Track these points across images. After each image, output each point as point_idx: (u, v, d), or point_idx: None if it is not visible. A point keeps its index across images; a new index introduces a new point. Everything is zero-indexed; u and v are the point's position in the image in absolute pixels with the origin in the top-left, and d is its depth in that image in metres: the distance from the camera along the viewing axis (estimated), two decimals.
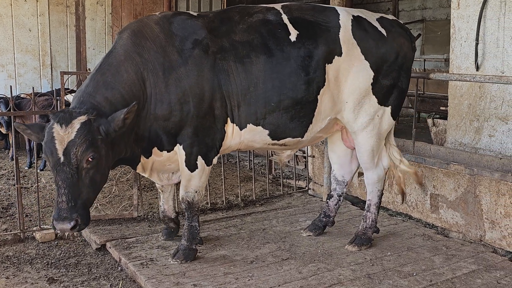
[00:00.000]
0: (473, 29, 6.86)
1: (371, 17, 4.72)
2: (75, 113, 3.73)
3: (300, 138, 4.58)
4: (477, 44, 6.79)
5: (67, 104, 5.61)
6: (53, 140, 3.66)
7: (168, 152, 4.32)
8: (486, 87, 6.72)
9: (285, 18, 4.46)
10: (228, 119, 4.31)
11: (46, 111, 5.89)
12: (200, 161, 4.32)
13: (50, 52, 10.33)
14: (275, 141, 4.55)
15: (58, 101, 5.30)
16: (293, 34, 4.38)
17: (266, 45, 4.31)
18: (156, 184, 4.95)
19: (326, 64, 4.42)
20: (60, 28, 10.39)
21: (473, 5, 6.84)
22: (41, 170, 7.81)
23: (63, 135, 3.64)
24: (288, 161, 7.24)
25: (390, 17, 4.90)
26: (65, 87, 5.41)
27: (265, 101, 4.31)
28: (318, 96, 4.44)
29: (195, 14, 4.48)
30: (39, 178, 7.16)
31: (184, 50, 4.17)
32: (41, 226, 5.34)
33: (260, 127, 4.41)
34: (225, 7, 11.81)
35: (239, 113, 4.32)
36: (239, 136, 4.42)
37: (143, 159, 4.38)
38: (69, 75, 5.43)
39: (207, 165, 4.39)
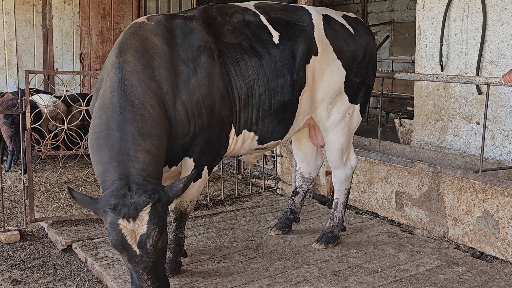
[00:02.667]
0: (437, 31, 7.00)
1: (337, 15, 4.77)
2: (137, 204, 3.24)
3: (280, 140, 4.56)
4: (441, 45, 6.93)
5: (32, 104, 5.55)
6: (124, 237, 3.24)
7: (176, 166, 4.03)
8: (450, 87, 6.86)
9: (263, 18, 4.35)
10: (232, 125, 4.13)
11: (11, 111, 5.80)
12: (205, 171, 4.10)
13: (16, 52, 10.16)
14: (260, 146, 4.44)
15: (23, 101, 5.22)
16: (275, 36, 4.30)
17: (253, 48, 4.17)
18: None
19: (306, 64, 4.40)
20: (26, 27, 10.22)
21: (438, 7, 6.98)
22: (6, 171, 7.67)
23: (133, 229, 3.25)
24: (257, 161, 7.27)
25: (352, 15, 4.96)
26: (31, 86, 5.33)
27: (259, 106, 4.20)
28: (299, 97, 4.40)
29: (185, 15, 4.16)
30: (4, 179, 7.05)
31: (190, 59, 3.85)
32: (6, 228, 5.26)
33: (252, 133, 4.28)
34: (194, 6, 11.78)
35: (238, 119, 4.15)
36: (234, 143, 4.25)
37: None
38: (34, 75, 5.32)
39: (208, 175, 4.19)
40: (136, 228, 3.24)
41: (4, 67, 10.08)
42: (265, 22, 4.33)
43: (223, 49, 4.05)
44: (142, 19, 4.04)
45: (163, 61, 3.76)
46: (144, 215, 3.24)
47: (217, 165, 4.35)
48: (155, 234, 3.28)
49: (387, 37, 15.65)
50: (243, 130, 4.22)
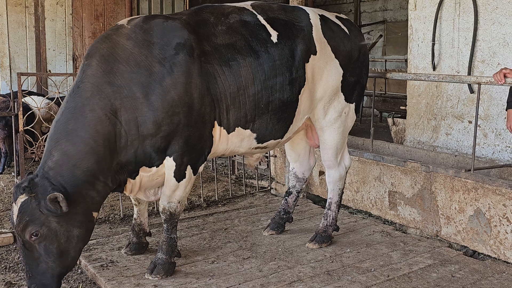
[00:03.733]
0: (429, 30, 7.03)
1: (332, 16, 4.82)
2: (19, 188, 3.57)
3: (280, 139, 4.58)
4: (433, 44, 6.96)
5: (25, 106, 5.55)
6: (11, 216, 3.64)
7: (157, 167, 4.05)
8: (442, 86, 6.89)
9: (261, 18, 4.38)
10: (216, 123, 4.14)
11: (3, 113, 5.79)
12: (188, 170, 4.12)
13: (8, 54, 10.13)
14: (259, 145, 4.47)
15: (16, 103, 5.21)
16: (274, 35, 4.33)
17: (250, 47, 4.20)
18: (131, 197, 4.61)
19: (305, 63, 4.44)
20: (19, 29, 10.19)
21: (429, 6, 7.02)
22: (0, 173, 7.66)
23: (12, 213, 3.62)
24: (259, 163, 7.26)
25: (344, 16, 5.00)
26: (24, 88, 5.33)
27: (255, 104, 4.22)
28: (299, 96, 4.44)
29: (170, 15, 4.24)
30: None
31: (166, 58, 3.88)
32: None
33: (248, 131, 4.30)
34: (187, 7, 11.78)
35: (227, 117, 4.17)
36: (226, 141, 4.27)
37: (129, 181, 4.08)
38: (27, 77, 5.32)
39: (194, 174, 4.20)
40: (13, 213, 3.60)
41: None
42: (263, 22, 4.37)
43: (211, 50, 4.08)
44: (123, 21, 4.11)
45: (129, 66, 3.84)
46: (18, 203, 3.57)
47: (204, 165, 4.36)
48: (19, 224, 3.55)
49: (380, 36, 15.70)
50: (237, 128, 4.24)
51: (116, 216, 5.78)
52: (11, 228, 5.48)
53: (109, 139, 3.78)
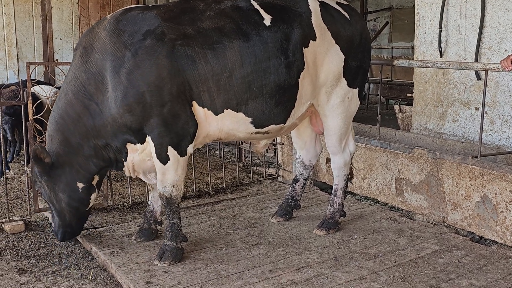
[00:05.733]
0: (436, 17, 7.01)
1: (332, 2, 4.81)
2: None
3: (282, 125, 4.59)
4: (440, 31, 6.94)
5: (33, 95, 5.58)
6: None
7: (142, 144, 4.25)
8: (449, 73, 6.88)
9: (254, 3, 4.42)
10: (195, 103, 4.22)
11: (13, 102, 5.83)
12: (171, 151, 4.21)
13: (16, 43, 10.19)
14: (259, 129, 4.50)
15: (25, 92, 5.25)
16: (267, 19, 4.36)
17: (240, 30, 4.25)
18: (146, 182, 4.80)
19: (303, 48, 4.45)
20: (25, 18, 10.24)
21: None
22: (9, 162, 7.72)
23: None
24: (267, 150, 7.29)
25: (344, 2, 4.99)
26: (32, 78, 5.37)
27: (246, 86, 4.26)
28: (299, 80, 4.45)
29: (149, 6, 4.42)
30: (7, 170, 7.11)
31: (134, 43, 4.10)
32: (10, 218, 5.33)
33: (241, 114, 4.34)
34: None
35: (211, 98, 4.22)
36: (216, 122, 4.33)
37: (124, 162, 4.44)
38: (35, 66, 5.36)
39: (181, 156, 4.26)
40: None
41: (4, 58, 10.12)
42: (256, 7, 4.41)
43: (194, 33, 4.18)
44: (109, 15, 4.40)
45: (102, 53, 4.17)
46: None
47: (194, 147, 4.45)
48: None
49: (386, 23, 15.62)
50: (226, 110, 4.29)
51: (125, 204, 5.84)
52: (22, 216, 5.56)
53: (79, 119, 4.26)
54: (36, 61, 10.00)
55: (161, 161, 4.24)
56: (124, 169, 4.53)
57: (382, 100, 13.12)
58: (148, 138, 4.22)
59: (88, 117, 4.25)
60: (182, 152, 4.26)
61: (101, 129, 4.26)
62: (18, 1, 10.14)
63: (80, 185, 4.44)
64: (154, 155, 4.25)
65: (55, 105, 4.41)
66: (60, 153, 4.36)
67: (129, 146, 4.31)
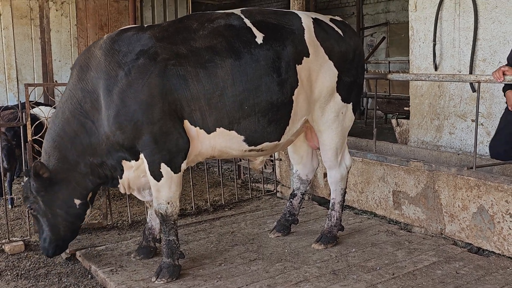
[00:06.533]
0: (430, 31, 7.10)
1: (325, 18, 4.88)
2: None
3: (277, 142, 4.62)
4: (434, 44, 7.04)
5: (33, 116, 5.64)
6: None
7: (136, 161, 4.30)
8: (445, 86, 6.95)
9: (247, 21, 4.46)
10: (187, 122, 4.26)
11: (12, 123, 5.89)
12: (165, 169, 4.24)
13: (15, 66, 10.27)
14: (252, 147, 4.53)
15: (24, 113, 5.31)
16: (259, 37, 4.39)
17: (232, 48, 4.28)
18: (140, 199, 4.84)
19: (297, 65, 4.48)
20: (25, 41, 10.34)
21: (430, 7, 7.09)
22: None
23: None
24: (264, 167, 7.33)
25: (338, 18, 5.06)
26: (31, 99, 5.43)
27: (238, 105, 4.28)
28: (293, 97, 4.48)
29: (144, 26, 4.49)
30: (7, 191, 7.13)
31: (127, 62, 4.17)
32: (10, 239, 5.35)
33: (234, 132, 4.36)
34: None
35: (203, 117, 4.26)
36: (208, 141, 4.36)
37: (119, 179, 4.49)
38: (34, 87, 5.42)
39: (175, 173, 4.29)
40: None
41: (4, 81, 10.19)
42: (249, 25, 4.44)
43: (187, 53, 4.23)
44: (106, 35, 4.52)
45: (97, 72, 4.24)
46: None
47: (186, 165, 4.43)
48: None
49: (383, 38, 15.75)
50: (218, 128, 4.32)
51: (124, 222, 5.87)
52: (22, 236, 5.58)
53: (76, 137, 4.32)
54: (35, 83, 10.08)
55: (154, 178, 4.28)
56: (119, 186, 4.57)
57: (381, 114, 13.22)
58: (142, 156, 4.27)
59: (85, 135, 4.31)
60: (175, 169, 4.29)
61: (96, 147, 4.31)
62: (17, 24, 10.26)
63: (77, 201, 4.49)
64: (148, 172, 4.28)
65: (52, 122, 4.46)
66: (58, 170, 4.39)
67: (124, 164, 4.36)
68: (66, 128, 4.35)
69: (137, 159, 4.30)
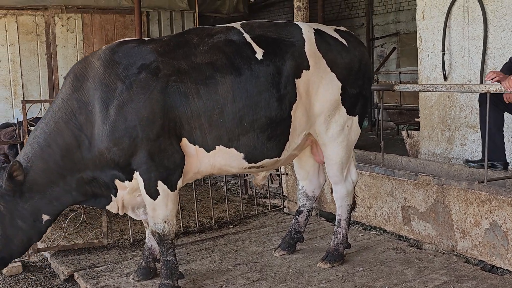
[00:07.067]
0: (438, 40, 6.92)
1: (329, 29, 4.73)
2: None
3: (277, 158, 4.49)
4: (443, 54, 6.85)
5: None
6: None
7: (130, 181, 4.15)
8: (455, 96, 6.76)
9: (247, 37, 4.36)
10: (185, 140, 4.14)
11: (10, 141, 5.80)
12: (161, 186, 4.11)
13: (21, 82, 10.25)
14: (252, 164, 4.41)
15: (21, 131, 5.22)
16: (259, 52, 4.29)
17: (232, 65, 4.19)
18: (134, 218, 4.68)
19: (296, 79, 4.36)
20: (31, 57, 10.32)
21: (437, 16, 6.91)
22: None
23: None
24: (270, 181, 7.17)
25: (343, 29, 4.91)
26: (37, 116, 5.35)
27: (237, 122, 4.18)
28: (291, 112, 4.36)
29: (145, 39, 4.37)
30: None
31: (128, 75, 4.03)
32: None
33: (233, 150, 4.25)
34: None
35: (202, 135, 4.15)
36: (208, 159, 4.25)
37: (113, 197, 4.26)
38: (31, 104, 5.33)
39: (171, 191, 4.17)
40: None
41: (10, 97, 10.17)
42: (249, 40, 4.32)
43: (188, 69, 4.12)
44: (104, 46, 4.34)
45: (95, 83, 4.05)
46: None
47: (182, 181, 4.27)
48: None
49: (394, 48, 15.56)
50: (218, 146, 4.20)
51: (126, 241, 5.71)
52: (20, 257, 5.45)
53: (68, 150, 4.05)
54: (42, 99, 10.03)
55: (150, 196, 4.13)
56: (109, 205, 4.33)
57: (392, 125, 13.01)
58: (136, 174, 4.10)
59: (77, 149, 4.06)
60: (172, 187, 4.16)
61: (88, 163, 4.08)
62: (23, 41, 10.24)
63: (46, 217, 4.13)
64: (143, 191, 4.13)
65: (40, 129, 4.11)
66: (38, 181, 4.04)
67: (118, 183, 4.19)
68: (59, 139, 4.06)
69: (130, 179, 4.13)
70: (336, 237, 4.84)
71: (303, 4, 6.36)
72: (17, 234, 4.09)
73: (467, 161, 5.65)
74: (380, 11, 16.46)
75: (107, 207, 4.36)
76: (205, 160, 4.24)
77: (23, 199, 4.03)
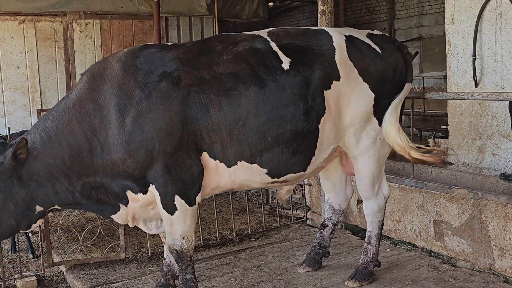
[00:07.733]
0: (469, 44, 6.62)
1: (361, 35, 4.45)
2: None
3: (302, 172, 4.24)
4: (474, 59, 6.55)
5: None
6: None
7: (144, 194, 3.91)
8: (486, 103, 6.46)
9: (273, 45, 4.11)
10: (206, 154, 3.92)
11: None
12: (178, 201, 3.89)
13: (39, 89, 10.12)
14: (275, 179, 4.17)
15: None
16: (286, 62, 4.04)
17: (256, 75, 3.95)
18: (160, 235, 4.49)
19: (325, 90, 4.11)
20: (49, 63, 10.18)
21: (468, 19, 6.62)
22: None
23: None
24: (293, 191, 6.91)
25: (377, 32, 4.63)
26: None
27: (261, 136, 3.94)
28: (319, 125, 4.11)
29: (168, 44, 4.14)
30: None
31: (148, 83, 3.81)
32: (23, 273, 5.04)
33: (256, 165, 4.01)
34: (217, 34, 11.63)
35: (223, 150, 3.92)
36: (228, 174, 4.01)
37: (123, 207, 4.01)
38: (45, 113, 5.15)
39: (189, 206, 3.93)
40: None
41: (28, 104, 10.04)
42: (275, 49, 4.08)
43: (210, 79, 3.90)
44: (126, 48, 4.13)
45: (112, 87, 3.85)
46: None
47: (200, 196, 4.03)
48: None
49: (416, 53, 15.22)
50: (239, 162, 3.96)
51: (144, 254, 5.51)
52: (36, 270, 5.28)
53: (78, 152, 3.81)
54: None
55: (168, 212, 3.91)
56: (116, 215, 4.07)
57: (415, 132, 12.68)
58: (152, 188, 3.87)
59: (88, 152, 3.82)
60: (190, 202, 3.93)
61: (99, 169, 3.84)
62: (41, 47, 10.12)
63: (39, 208, 3.89)
64: (160, 205, 3.90)
65: (52, 122, 3.86)
66: (40, 173, 3.79)
67: (129, 194, 3.94)
68: (71, 139, 3.81)
69: (145, 192, 3.90)
70: (366, 254, 4.57)
71: (327, 8, 6.10)
72: (6, 217, 3.81)
73: (503, 176, 5.33)
74: (402, 15, 16.15)
75: (113, 217, 4.10)
76: (225, 175, 4.01)
77: (19, 183, 3.78)
